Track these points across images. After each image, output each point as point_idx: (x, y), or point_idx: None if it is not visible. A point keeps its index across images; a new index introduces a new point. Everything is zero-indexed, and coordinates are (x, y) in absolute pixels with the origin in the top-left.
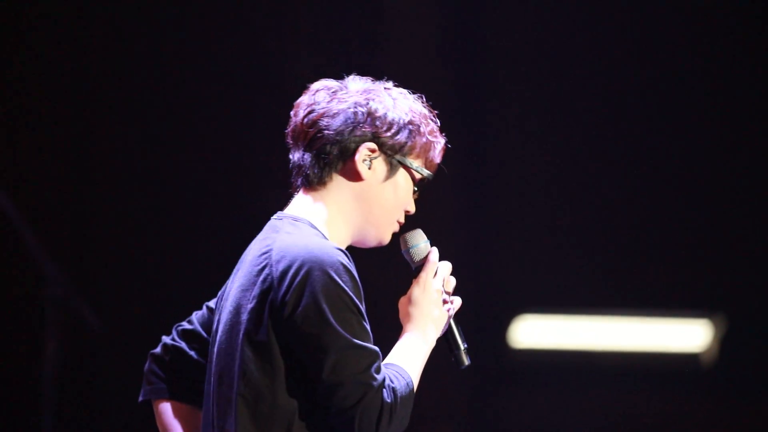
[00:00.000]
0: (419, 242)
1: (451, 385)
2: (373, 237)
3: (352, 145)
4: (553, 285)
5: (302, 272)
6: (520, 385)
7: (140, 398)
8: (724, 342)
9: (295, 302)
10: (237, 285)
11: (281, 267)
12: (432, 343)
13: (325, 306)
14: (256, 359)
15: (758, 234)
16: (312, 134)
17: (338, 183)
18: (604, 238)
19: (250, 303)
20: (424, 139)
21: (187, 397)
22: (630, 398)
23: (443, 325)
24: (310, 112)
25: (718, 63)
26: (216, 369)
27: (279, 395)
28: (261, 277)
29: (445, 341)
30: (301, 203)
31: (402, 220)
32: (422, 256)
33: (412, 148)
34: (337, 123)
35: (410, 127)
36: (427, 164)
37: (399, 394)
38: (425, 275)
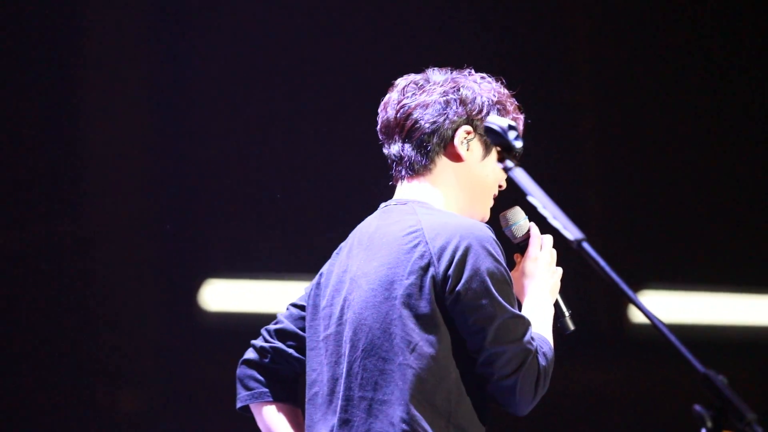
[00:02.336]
0: (519, 219)
1: (143, 349)
2: (479, 214)
3: (450, 132)
4: (240, 250)
5: (462, 248)
6: (213, 348)
7: (239, 404)
8: None
9: (457, 276)
10: (376, 264)
11: (439, 243)
12: (551, 312)
13: (487, 278)
14: (421, 331)
15: None
16: (409, 126)
17: (442, 167)
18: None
19: (406, 279)
20: (509, 116)
21: (288, 396)
22: None
23: (556, 293)
24: (402, 107)
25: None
26: (354, 344)
27: (442, 366)
28: (415, 254)
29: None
30: (412, 190)
31: (496, 194)
32: (524, 231)
33: None
34: (432, 113)
35: (498, 106)
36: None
37: (549, 359)
38: (534, 249)
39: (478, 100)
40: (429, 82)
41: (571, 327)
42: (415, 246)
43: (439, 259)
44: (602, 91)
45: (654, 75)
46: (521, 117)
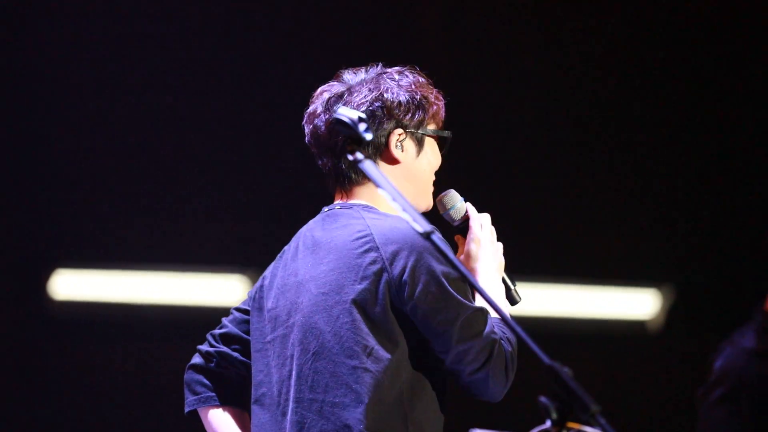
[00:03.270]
0: (456, 203)
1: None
2: (423, 205)
3: (383, 139)
4: (90, 241)
5: (414, 253)
6: (63, 337)
7: (187, 409)
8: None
9: (414, 282)
10: (325, 268)
11: (391, 249)
12: (502, 289)
13: (443, 280)
14: (376, 336)
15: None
16: (341, 142)
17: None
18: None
19: (359, 284)
20: (434, 107)
21: (235, 400)
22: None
23: (502, 270)
24: (330, 123)
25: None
26: (305, 347)
27: (396, 368)
28: (367, 260)
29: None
30: (354, 196)
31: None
32: (462, 214)
33: (429, 117)
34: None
35: (422, 102)
36: (441, 125)
37: (513, 342)
38: (475, 230)
39: (404, 101)
40: (351, 93)
41: (519, 299)
42: (366, 251)
43: (392, 264)
44: (452, 82)
45: (495, 71)
46: (441, 102)
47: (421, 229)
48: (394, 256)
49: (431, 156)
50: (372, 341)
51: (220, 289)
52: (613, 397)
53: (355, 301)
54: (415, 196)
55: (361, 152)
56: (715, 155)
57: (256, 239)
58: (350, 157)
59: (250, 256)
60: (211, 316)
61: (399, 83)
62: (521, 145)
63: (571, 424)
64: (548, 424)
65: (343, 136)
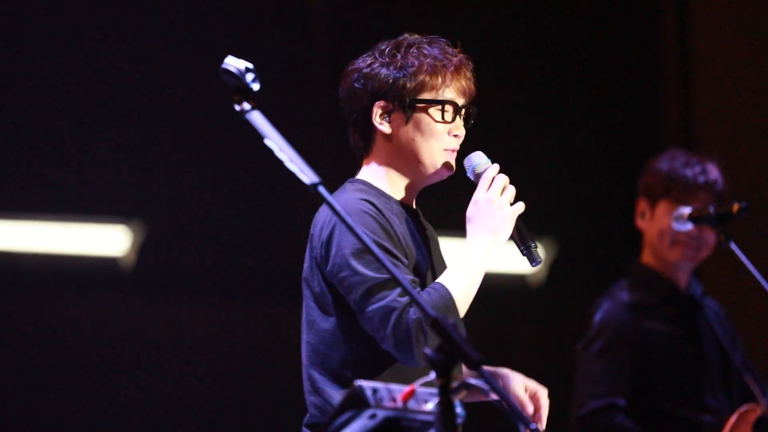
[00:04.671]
0: (475, 162)
1: None
2: (433, 171)
3: (366, 114)
4: None
5: (328, 229)
6: None
7: None
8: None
9: (326, 255)
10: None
11: (318, 228)
12: (487, 249)
13: (345, 252)
14: (317, 309)
15: None
16: (346, 116)
17: (377, 146)
18: None
19: (306, 263)
20: (428, 76)
21: None
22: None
23: (503, 230)
24: (345, 91)
25: None
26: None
27: (337, 338)
28: (313, 239)
29: (516, 243)
30: (361, 169)
31: (452, 146)
32: (479, 173)
33: (421, 85)
34: (349, 102)
35: (410, 69)
36: (449, 89)
37: (430, 307)
38: (477, 192)
39: (381, 75)
40: (362, 66)
41: (538, 259)
42: (314, 231)
43: (317, 241)
44: (336, 40)
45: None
46: (446, 65)
47: (307, 181)
48: (319, 233)
49: (427, 125)
50: (315, 315)
51: (103, 239)
52: (495, 349)
53: (305, 279)
54: (416, 166)
55: (249, 103)
56: (590, 106)
57: (139, 190)
58: (237, 108)
59: (133, 206)
60: (92, 265)
61: (393, 56)
62: None
63: (455, 376)
64: (433, 375)
65: (233, 86)
